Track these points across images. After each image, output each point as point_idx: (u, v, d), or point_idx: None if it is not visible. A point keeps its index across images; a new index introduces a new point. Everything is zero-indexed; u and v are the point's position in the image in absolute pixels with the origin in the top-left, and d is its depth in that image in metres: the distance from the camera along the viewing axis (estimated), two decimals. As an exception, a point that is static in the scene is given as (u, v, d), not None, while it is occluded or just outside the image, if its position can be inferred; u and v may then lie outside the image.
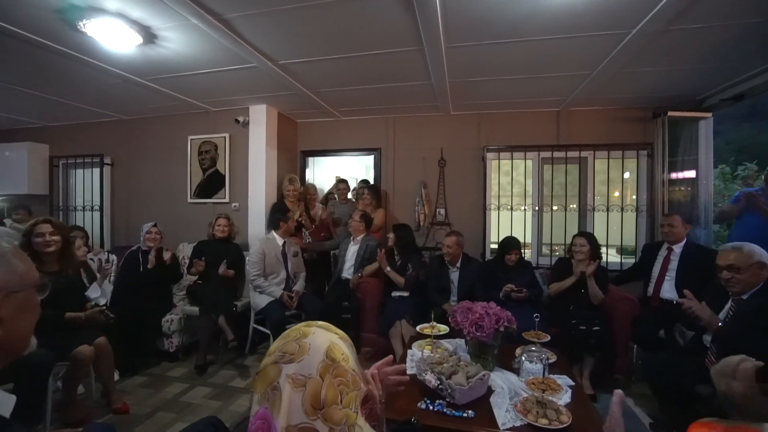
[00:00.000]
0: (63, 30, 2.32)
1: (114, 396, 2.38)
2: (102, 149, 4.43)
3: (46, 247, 2.17)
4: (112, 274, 3.03)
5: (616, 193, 3.86)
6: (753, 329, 1.73)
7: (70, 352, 2.11)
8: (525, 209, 4.00)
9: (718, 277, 1.94)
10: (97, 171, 4.44)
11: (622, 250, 3.78)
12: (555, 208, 3.91)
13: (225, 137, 4.10)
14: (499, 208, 4.02)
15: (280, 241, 3.31)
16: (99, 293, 2.54)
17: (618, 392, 0.83)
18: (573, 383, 1.85)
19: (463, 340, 2.28)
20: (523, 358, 1.94)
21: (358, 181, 5.11)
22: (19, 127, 4.79)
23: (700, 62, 2.72)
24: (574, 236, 3.02)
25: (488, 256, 3.89)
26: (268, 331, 3.12)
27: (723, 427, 0.66)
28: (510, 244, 3.10)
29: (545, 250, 4.02)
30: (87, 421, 2.17)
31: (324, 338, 0.66)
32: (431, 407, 1.62)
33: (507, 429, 1.48)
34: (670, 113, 3.42)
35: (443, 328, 2.36)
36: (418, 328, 2.47)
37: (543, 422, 1.46)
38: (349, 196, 4.43)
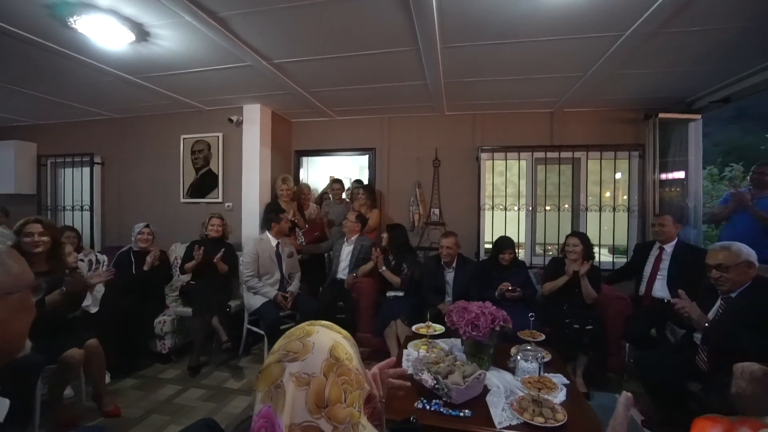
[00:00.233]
0: (53, 26, 2.28)
1: (105, 399, 2.34)
2: (92, 148, 4.36)
3: (34, 248, 2.13)
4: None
5: (608, 194, 3.91)
6: (742, 326, 1.78)
7: (59, 354, 2.07)
8: (519, 209, 4.03)
9: (707, 276, 1.98)
10: (86, 170, 4.36)
11: (614, 250, 3.83)
12: (548, 208, 3.95)
13: (218, 136, 4.06)
14: (493, 208, 4.05)
15: (273, 241, 3.28)
16: (90, 301, 2.46)
17: (627, 395, 0.82)
18: (568, 382, 1.87)
19: (458, 340, 2.28)
20: (519, 357, 1.95)
21: (352, 180, 5.10)
22: (5, 125, 4.70)
23: (690, 65, 2.77)
24: (568, 236, 3.05)
25: (482, 255, 3.91)
26: (262, 332, 3.10)
27: (727, 421, 0.68)
28: (504, 243, 3.12)
29: (539, 249, 4.06)
30: (74, 423, 2.13)
31: (328, 337, 0.66)
32: (428, 407, 1.62)
33: (503, 428, 1.49)
34: (661, 115, 3.48)
35: (439, 328, 2.37)
36: (413, 327, 2.48)
37: (539, 420, 1.47)
38: (344, 196, 4.42)
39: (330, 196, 4.37)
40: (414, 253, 3.58)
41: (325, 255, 4.07)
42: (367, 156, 4.50)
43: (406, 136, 4.31)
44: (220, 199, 4.08)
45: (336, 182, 4.37)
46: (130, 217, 4.10)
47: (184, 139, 4.17)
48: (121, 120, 4.42)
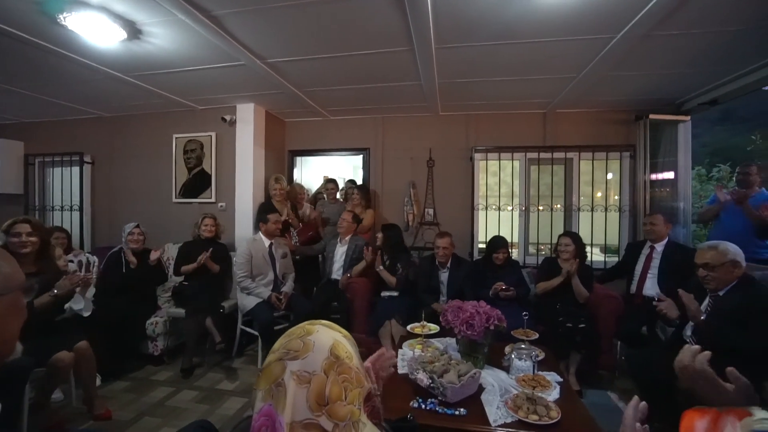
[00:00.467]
0: (42, 23, 2.24)
1: (96, 402, 2.29)
2: (82, 147, 4.29)
3: (21, 248, 2.09)
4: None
5: (600, 194, 3.96)
6: (729, 323, 1.82)
7: (49, 357, 2.03)
8: (512, 209, 4.06)
9: (695, 274, 2.02)
10: (76, 170, 4.30)
11: (606, 249, 3.89)
12: (541, 208, 3.99)
13: (211, 136, 4.02)
14: (486, 208, 4.07)
15: (266, 242, 3.26)
16: (82, 305, 2.40)
17: (641, 404, 0.80)
18: (561, 379, 1.89)
19: (453, 339, 2.30)
20: (513, 356, 1.97)
21: (345, 180, 5.09)
22: (-9, 123, 4.60)
23: (680, 67, 2.82)
24: (560, 236, 3.08)
25: (476, 255, 3.93)
26: (256, 333, 3.07)
27: (715, 411, 0.70)
28: (497, 242, 3.14)
29: (532, 249, 4.09)
30: (63, 427, 2.09)
31: (328, 336, 0.66)
32: (423, 406, 1.63)
33: (498, 425, 1.50)
34: (651, 116, 3.54)
35: (434, 327, 2.38)
36: (408, 327, 2.48)
37: (533, 418, 1.49)
38: (338, 196, 4.41)
39: (324, 195, 4.36)
40: (408, 253, 3.59)
41: (319, 255, 4.05)
42: (361, 156, 4.49)
43: (400, 136, 4.32)
44: (213, 199, 4.04)
45: (330, 182, 4.35)
46: (121, 218, 4.04)
47: (176, 138, 4.12)
48: (112, 119, 4.35)
